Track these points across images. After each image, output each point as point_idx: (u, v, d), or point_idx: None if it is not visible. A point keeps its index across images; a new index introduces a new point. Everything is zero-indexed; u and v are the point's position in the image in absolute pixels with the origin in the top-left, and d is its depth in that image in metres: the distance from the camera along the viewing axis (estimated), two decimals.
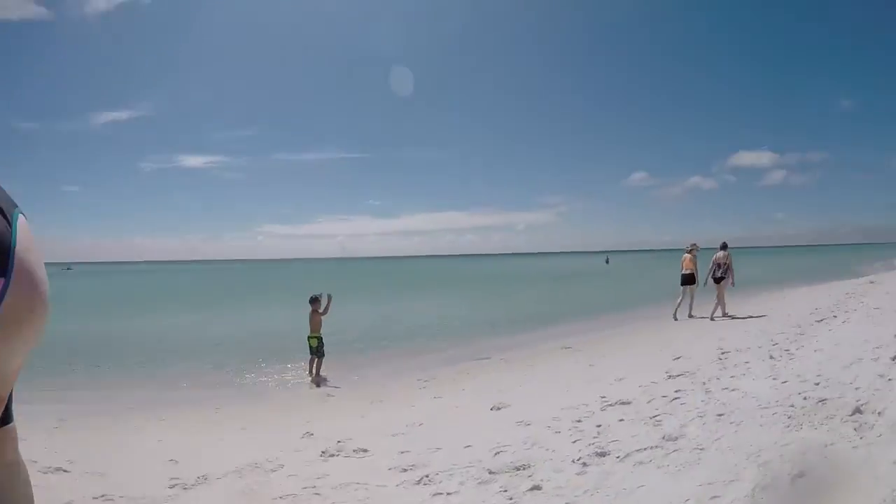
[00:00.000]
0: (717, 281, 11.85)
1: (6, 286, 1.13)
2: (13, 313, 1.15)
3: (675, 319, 12.23)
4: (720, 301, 11.81)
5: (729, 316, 11.61)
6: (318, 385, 8.47)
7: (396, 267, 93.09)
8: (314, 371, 8.86)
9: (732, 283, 12.00)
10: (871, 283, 16.02)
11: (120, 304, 26.23)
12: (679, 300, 12.57)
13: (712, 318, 11.53)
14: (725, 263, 11.82)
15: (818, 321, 8.85)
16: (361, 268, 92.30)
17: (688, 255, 12.49)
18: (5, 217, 1.23)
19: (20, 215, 1.31)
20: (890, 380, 3.70)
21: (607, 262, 64.55)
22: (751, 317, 11.21)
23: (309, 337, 8.98)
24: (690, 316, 12.39)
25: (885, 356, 4.41)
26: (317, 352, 8.89)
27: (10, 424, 1.66)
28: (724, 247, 12.16)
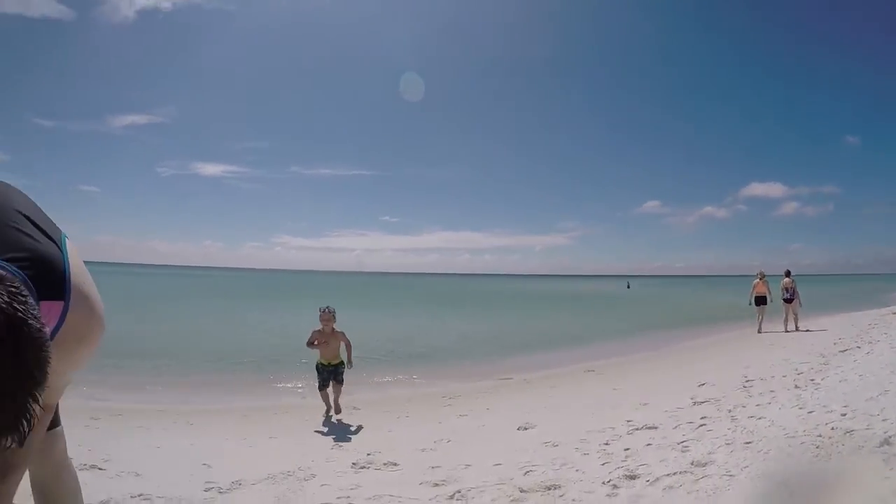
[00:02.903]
0: (788, 301, 14.14)
1: (66, 308, 1.28)
2: (73, 333, 1.30)
3: (760, 333, 14.05)
4: (791, 316, 14.08)
5: (800, 329, 13.77)
6: (338, 411, 6.75)
7: (414, 283, 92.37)
8: (332, 403, 6.75)
9: (800, 304, 14.29)
10: (894, 313, 15.86)
11: (148, 305, 26.44)
12: (761, 318, 14.44)
13: (787, 330, 13.74)
14: (792, 287, 14.12)
15: (842, 351, 8.79)
16: (379, 282, 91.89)
17: (759, 281, 14.55)
18: (55, 243, 1.38)
19: (67, 240, 1.47)
20: None
21: (628, 286, 64.13)
22: (806, 331, 13.46)
23: (324, 363, 6.65)
24: (760, 331, 14.11)
25: None
26: (336, 377, 6.66)
27: (59, 427, 1.83)
28: (787, 274, 14.48)
